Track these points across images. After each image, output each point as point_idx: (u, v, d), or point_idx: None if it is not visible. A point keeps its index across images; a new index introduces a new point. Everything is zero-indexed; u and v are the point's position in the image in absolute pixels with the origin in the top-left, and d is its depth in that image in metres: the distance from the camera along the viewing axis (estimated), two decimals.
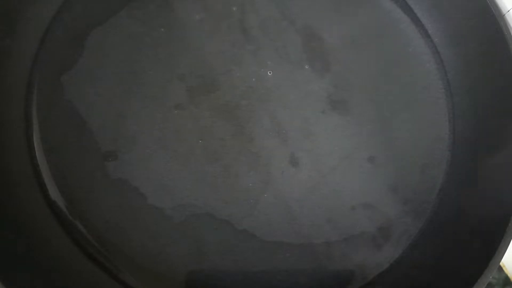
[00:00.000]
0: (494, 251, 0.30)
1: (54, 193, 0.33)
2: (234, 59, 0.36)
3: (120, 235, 0.33)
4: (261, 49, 0.36)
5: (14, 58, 0.34)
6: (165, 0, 0.36)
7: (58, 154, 0.34)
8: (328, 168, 0.35)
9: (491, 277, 0.30)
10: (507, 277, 0.38)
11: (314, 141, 0.35)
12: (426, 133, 0.36)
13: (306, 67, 0.36)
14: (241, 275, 0.33)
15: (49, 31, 0.35)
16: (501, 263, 0.37)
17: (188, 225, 0.33)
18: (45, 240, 0.32)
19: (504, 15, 0.34)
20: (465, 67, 0.36)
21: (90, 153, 0.34)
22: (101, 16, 0.36)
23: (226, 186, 0.34)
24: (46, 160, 0.33)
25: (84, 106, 0.34)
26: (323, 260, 0.33)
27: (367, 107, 0.36)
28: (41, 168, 0.33)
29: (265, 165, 0.34)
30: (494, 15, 0.33)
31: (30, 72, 0.34)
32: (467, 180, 0.35)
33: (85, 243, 0.33)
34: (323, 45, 0.37)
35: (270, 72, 0.36)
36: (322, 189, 0.34)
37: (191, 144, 0.34)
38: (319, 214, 0.34)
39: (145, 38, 0.36)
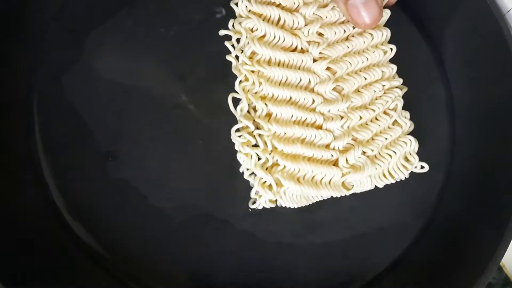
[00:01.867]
0: (494, 251, 0.30)
1: (54, 193, 0.33)
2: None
3: (120, 235, 0.33)
4: None
5: (14, 58, 0.34)
6: (165, 0, 0.36)
7: (58, 154, 0.34)
8: None
9: (491, 277, 0.30)
10: (507, 277, 0.38)
11: None
12: (426, 133, 0.36)
13: None
14: (241, 275, 0.33)
15: (49, 31, 0.35)
16: (501, 263, 0.37)
17: (188, 225, 0.33)
18: (45, 240, 0.32)
19: (504, 15, 0.34)
20: (465, 66, 0.36)
21: (90, 153, 0.34)
22: (101, 16, 0.35)
23: (226, 186, 0.34)
24: (46, 160, 0.33)
25: (84, 106, 0.34)
26: (323, 260, 0.33)
27: None
28: (41, 168, 0.33)
29: None
30: (494, 15, 0.33)
31: (30, 72, 0.34)
32: (467, 180, 0.35)
33: (85, 243, 0.33)
34: None
35: None
36: None
37: (191, 144, 0.34)
38: (319, 214, 0.34)
39: (145, 38, 0.36)
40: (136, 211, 0.33)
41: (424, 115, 0.36)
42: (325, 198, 0.33)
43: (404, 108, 0.34)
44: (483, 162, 0.34)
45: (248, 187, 0.33)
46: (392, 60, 0.36)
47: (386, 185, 0.34)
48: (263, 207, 0.33)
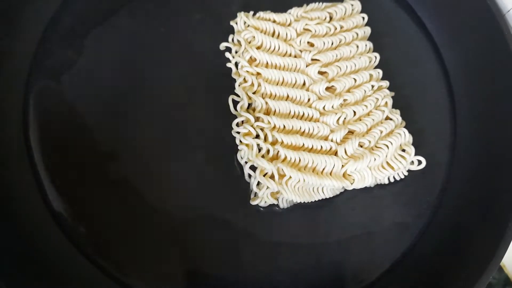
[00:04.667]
0: (494, 251, 0.30)
1: (53, 193, 0.33)
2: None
3: (120, 235, 0.33)
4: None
5: (13, 58, 0.34)
6: (165, 0, 0.36)
7: (58, 154, 0.34)
8: None
9: (491, 277, 0.30)
10: (507, 278, 0.38)
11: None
12: (426, 133, 0.36)
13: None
14: (241, 275, 0.33)
15: (49, 30, 0.35)
16: (501, 263, 0.37)
17: (188, 225, 0.33)
18: (44, 241, 0.32)
19: (504, 15, 0.34)
20: (465, 66, 0.36)
21: (90, 153, 0.34)
22: (100, 16, 0.36)
23: (226, 186, 0.34)
24: (46, 160, 0.33)
25: (84, 106, 0.34)
26: (323, 260, 0.33)
27: None
28: (40, 168, 0.33)
29: None
30: (494, 15, 0.33)
31: (30, 72, 0.34)
32: (467, 180, 0.35)
33: (84, 243, 0.33)
34: None
35: None
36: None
37: (191, 144, 0.34)
38: (319, 215, 0.34)
39: (145, 38, 0.36)
40: (136, 211, 0.33)
41: (424, 115, 0.36)
42: (327, 197, 0.33)
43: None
44: (483, 162, 0.34)
45: (248, 187, 0.34)
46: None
47: (387, 186, 0.34)
48: (263, 207, 0.33)
